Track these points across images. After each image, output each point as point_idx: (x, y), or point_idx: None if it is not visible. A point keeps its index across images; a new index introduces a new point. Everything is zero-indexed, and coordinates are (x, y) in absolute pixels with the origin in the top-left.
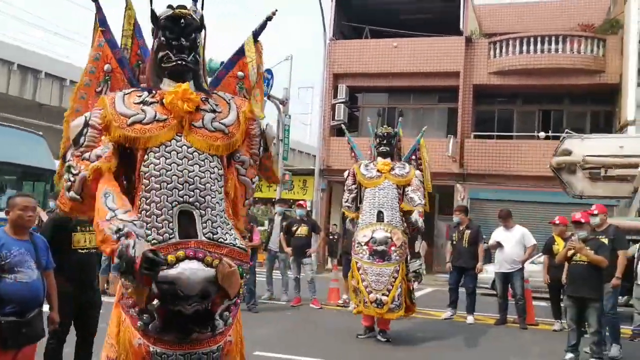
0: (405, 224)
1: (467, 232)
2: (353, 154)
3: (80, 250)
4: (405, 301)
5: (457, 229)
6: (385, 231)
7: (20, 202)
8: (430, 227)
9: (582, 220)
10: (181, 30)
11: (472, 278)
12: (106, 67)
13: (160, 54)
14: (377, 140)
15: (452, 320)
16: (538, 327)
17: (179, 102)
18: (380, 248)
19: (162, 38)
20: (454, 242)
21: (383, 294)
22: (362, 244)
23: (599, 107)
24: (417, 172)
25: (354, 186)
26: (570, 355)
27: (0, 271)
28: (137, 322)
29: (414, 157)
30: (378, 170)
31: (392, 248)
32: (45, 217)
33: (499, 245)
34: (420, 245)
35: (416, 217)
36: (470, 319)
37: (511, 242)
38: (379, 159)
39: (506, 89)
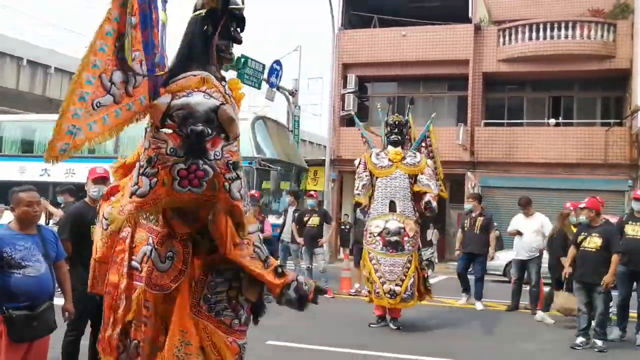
0: (417, 214)
1: (480, 219)
2: (364, 139)
3: None
4: (418, 289)
5: (468, 216)
6: (398, 222)
7: (26, 197)
8: (442, 215)
9: (582, 206)
10: (243, 29)
11: (482, 265)
12: (132, 20)
13: (221, 42)
14: (388, 128)
15: (463, 307)
16: (549, 313)
17: None
18: (393, 239)
19: (232, 29)
20: (465, 229)
21: (396, 284)
22: (375, 234)
23: (609, 93)
24: (430, 161)
25: (364, 173)
26: (581, 339)
27: (7, 267)
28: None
29: (423, 144)
30: (390, 160)
31: (405, 238)
32: (53, 210)
33: (518, 233)
34: (432, 234)
35: (429, 198)
36: (479, 305)
37: (531, 229)
38: (390, 147)
39: (516, 76)
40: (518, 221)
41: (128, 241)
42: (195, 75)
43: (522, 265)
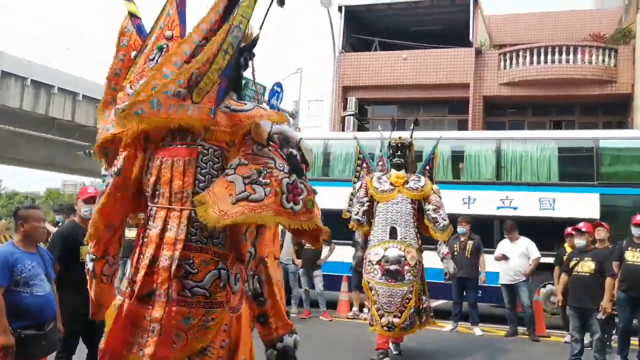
0: (420, 242)
1: (470, 242)
2: (365, 164)
3: None
4: (417, 319)
5: (457, 240)
6: (398, 249)
7: (35, 214)
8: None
9: (583, 229)
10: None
11: (474, 290)
12: (133, 54)
13: (241, 71)
14: (391, 151)
15: (463, 332)
16: (549, 339)
17: None
18: (392, 267)
19: (247, 61)
20: (455, 253)
21: (395, 316)
22: (374, 262)
23: (610, 118)
24: (435, 186)
25: (365, 199)
26: None
27: (15, 285)
28: None
29: (427, 167)
30: (391, 184)
31: (406, 267)
32: (52, 229)
33: (504, 257)
34: None
35: (447, 264)
36: (477, 330)
37: (516, 254)
38: (393, 171)
39: (517, 100)
40: (503, 246)
41: (173, 269)
42: (265, 109)
43: (510, 289)
